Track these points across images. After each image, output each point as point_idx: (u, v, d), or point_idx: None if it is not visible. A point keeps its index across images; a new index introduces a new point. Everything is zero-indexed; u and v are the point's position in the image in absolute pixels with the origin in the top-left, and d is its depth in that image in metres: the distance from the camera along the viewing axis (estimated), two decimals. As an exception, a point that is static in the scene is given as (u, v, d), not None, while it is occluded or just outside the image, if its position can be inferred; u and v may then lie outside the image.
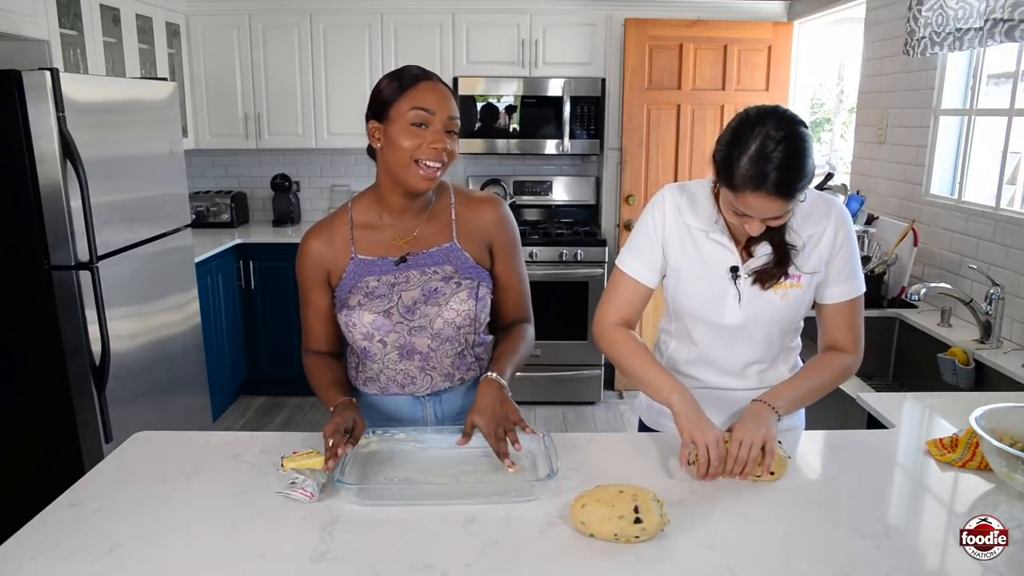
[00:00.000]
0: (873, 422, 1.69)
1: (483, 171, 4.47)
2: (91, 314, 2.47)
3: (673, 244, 1.44)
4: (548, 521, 1.15)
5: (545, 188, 4.42)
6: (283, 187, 4.32)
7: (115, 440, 2.52)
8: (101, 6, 3.17)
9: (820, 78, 4.82)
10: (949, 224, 2.61)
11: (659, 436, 1.49)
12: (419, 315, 1.40)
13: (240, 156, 4.50)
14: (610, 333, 1.47)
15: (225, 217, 4.28)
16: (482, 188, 4.30)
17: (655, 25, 3.90)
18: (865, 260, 2.72)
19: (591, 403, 4.13)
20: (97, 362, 2.50)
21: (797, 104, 4.14)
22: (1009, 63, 2.47)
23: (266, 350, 4.10)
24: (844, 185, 3.24)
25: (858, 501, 1.23)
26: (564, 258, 3.93)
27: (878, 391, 1.82)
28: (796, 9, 4.00)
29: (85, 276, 2.45)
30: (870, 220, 2.95)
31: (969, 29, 2.33)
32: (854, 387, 1.86)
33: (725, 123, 1.36)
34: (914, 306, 2.61)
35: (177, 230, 3.11)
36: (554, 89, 4.05)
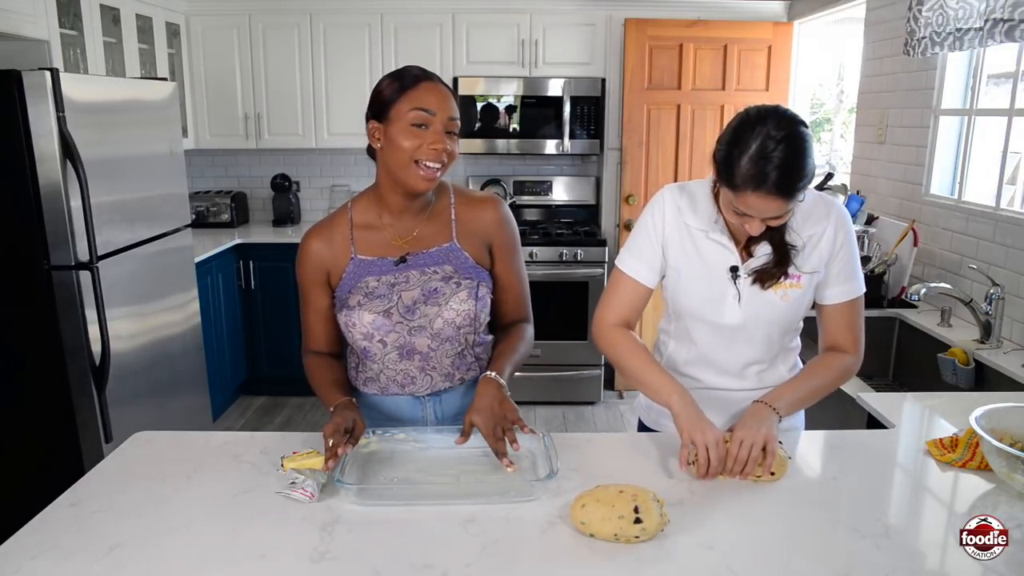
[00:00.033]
0: (873, 422, 1.69)
1: (483, 171, 4.47)
2: (91, 314, 2.47)
3: (673, 244, 1.44)
4: (548, 521, 1.15)
5: (545, 188, 4.43)
6: (283, 187, 4.32)
7: (115, 440, 2.52)
8: (101, 6, 3.17)
9: (820, 78, 4.82)
10: (949, 224, 2.61)
11: (659, 436, 1.48)
12: (419, 315, 1.40)
13: (240, 156, 4.50)
14: (609, 334, 1.47)
15: (225, 217, 4.28)
16: (482, 188, 4.30)
17: (655, 25, 3.90)
18: (865, 260, 2.72)
19: (591, 403, 4.13)
20: (97, 362, 2.50)
21: (797, 104, 4.14)
22: (1009, 63, 2.47)
23: (266, 350, 4.10)
24: (844, 185, 3.24)
25: (858, 501, 1.23)
26: (564, 258, 3.93)
27: (878, 391, 1.82)
28: (796, 9, 4.00)
29: (85, 276, 2.45)
30: (870, 220, 2.95)
31: (969, 29, 2.33)
32: (854, 387, 1.86)
33: (725, 123, 1.37)
34: (914, 306, 2.61)
35: (177, 230, 3.11)
36: (554, 89, 4.05)
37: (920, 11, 2.56)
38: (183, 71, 4.02)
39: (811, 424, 1.61)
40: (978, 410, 1.30)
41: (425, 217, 1.44)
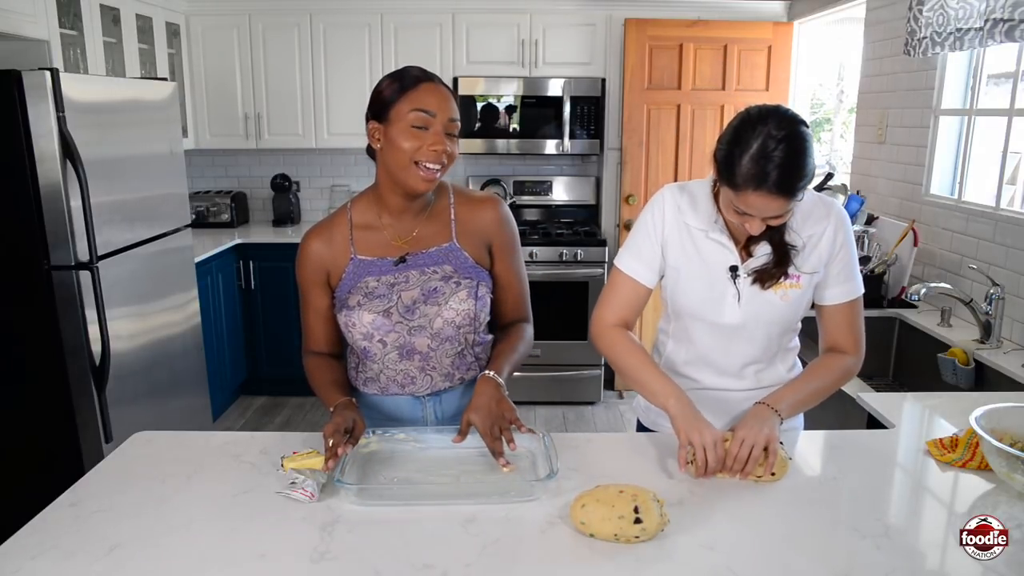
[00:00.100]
0: (873, 422, 1.69)
1: (483, 171, 4.47)
2: (91, 314, 2.47)
3: (672, 243, 1.44)
4: (548, 521, 1.15)
5: (545, 188, 4.43)
6: (283, 187, 4.32)
7: (115, 440, 2.52)
8: (101, 6, 3.17)
9: (820, 78, 4.82)
10: (949, 224, 2.61)
11: (659, 436, 1.48)
12: (419, 315, 1.40)
13: (240, 156, 4.50)
14: (608, 334, 1.47)
15: (225, 217, 4.28)
16: (482, 188, 4.30)
17: (655, 25, 3.90)
18: (865, 260, 2.72)
19: (591, 403, 4.13)
20: (97, 362, 2.50)
21: (797, 104, 4.14)
22: (1009, 63, 2.47)
23: (266, 350, 4.10)
24: (844, 185, 3.23)
25: (858, 501, 1.23)
26: (564, 258, 3.93)
27: (878, 391, 1.82)
28: (796, 9, 4.00)
29: (85, 276, 2.45)
30: (870, 220, 2.95)
31: (969, 29, 2.33)
32: (854, 387, 1.86)
33: (725, 123, 1.37)
34: (914, 306, 2.61)
35: (177, 230, 3.11)
36: (554, 89, 4.05)
37: (920, 11, 2.56)
38: (183, 71, 4.02)
39: (811, 424, 1.61)
40: (978, 410, 1.30)
41: (425, 217, 1.44)
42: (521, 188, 4.41)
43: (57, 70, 2.32)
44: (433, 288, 1.40)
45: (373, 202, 1.44)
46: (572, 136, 4.10)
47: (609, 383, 4.27)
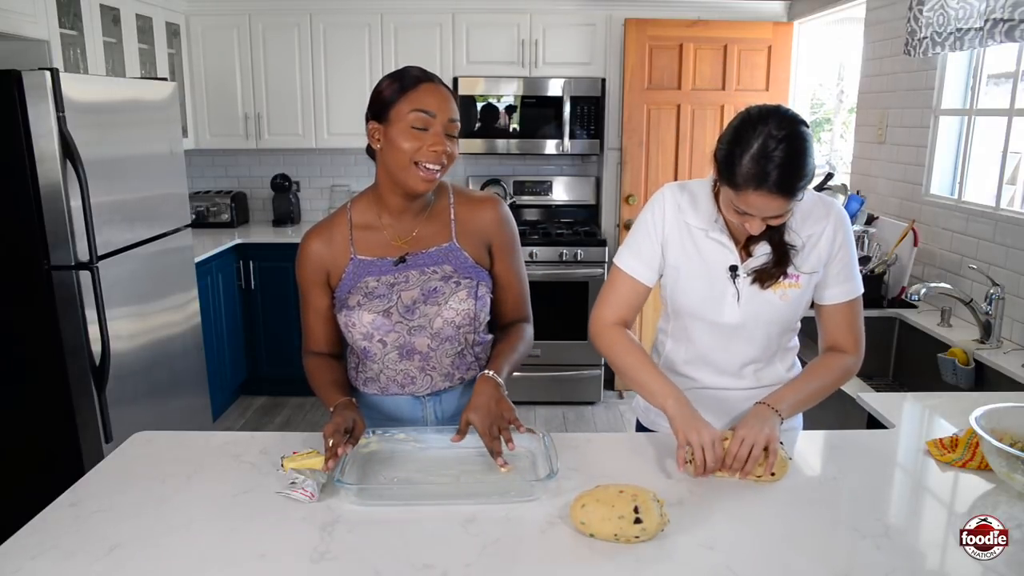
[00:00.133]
0: (873, 422, 1.69)
1: (483, 171, 4.47)
2: (91, 314, 2.47)
3: (673, 242, 1.44)
4: (548, 521, 1.15)
5: (545, 188, 4.43)
6: (283, 187, 4.32)
7: (115, 440, 2.52)
8: (101, 6, 3.17)
9: (820, 78, 4.82)
10: (949, 224, 2.61)
11: (659, 436, 1.48)
12: (418, 315, 1.40)
13: (240, 156, 4.50)
14: (607, 333, 1.47)
15: (225, 217, 4.28)
16: (482, 188, 4.30)
17: (655, 25, 3.90)
18: (865, 260, 2.72)
19: (591, 403, 4.13)
20: (97, 362, 2.50)
21: (797, 104, 4.14)
22: (1009, 63, 2.47)
23: (266, 350, 4.10)
24: (844, 185, 3.23)
25: (858, 501, 1.23)
26: (564, 258, 3.93)
27: (878, 391, 1.82)
28: (796, 9, 4.00)
29: (85, 276, 2.45)
30: (870, 220, 2.95)
31: (969, 29, 2.33)
32: (854, 387, 1.86)
33: (725, 123, 1.37)
34: (914, 306, 2.61)
35: (177, 230, 3.11)
36: (554, 89, 4.05)
37: (921, 11, 2.56)
38: (183, 71, 4.02)
39: (811, 424, 1.61)
40: (978, 410, 1.30)
41: (424, 217, 1.44)
42: (521, 188, 4.41)
43: (57, 70, 2.32)
44: (433, 288, 1.40)
45: (373, 202, 1.44)
46: (572, 136, 4.10)
47: (609, 383, 4.27)
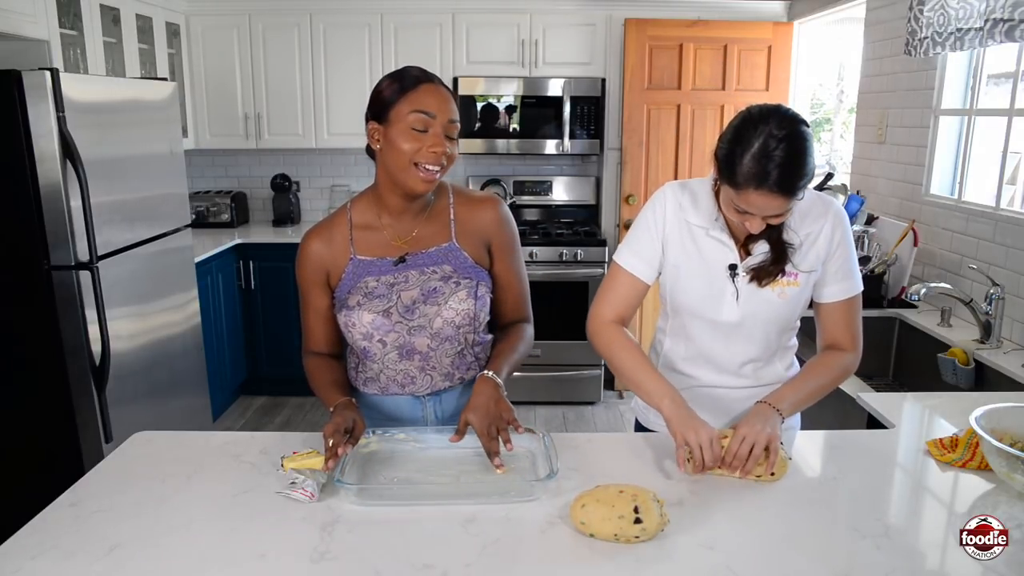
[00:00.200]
0: (873, 422, 1.69)
1: (483, 171, 4.47)
2: (91, 314, 2.47)
3: (673, 241, 1.44)
4: (548, 521, 1.15)
5: (545, 188, 4.43)
6: (283, 187, 4.32)
7: (115, 440, 2.52)
8: (101, 6, 3.17)
9: (820, 78, 4.82)
10: (949, 224, 2.61)
11: (658, 436, 1.48)
12: (418, 315, 1.40)
13: (240, 156, 4.50)
14: (606, 332, 1.47)
15: (225, 217, 4.28)
16: (482, 188, 4.30)
17: (655, 25, 3.90)
18: (865, 260, 2.72)
19: (591, 403, 4.13)
20: (97, 362, 2.50)
21: (797, 104, 4.14)
22: (1009, 63, 2.47)
23: (266, 350, 4.10)
24: (844, 185, 3.24)
25: (858, 501, 1.23)
26: (564, 258, 3.93)
27: (878, 391, 1.82)
28: (796, 9, 4.00)
29: (85, 276, 2.45)
30: (870, 220, 2.95)
31: (969, 29, 2.33)
32: (854, 387, 1.86)
33: (725, 123, 1.37)
34: (914, 306, 2.61)
35: (177, 230, 3.11)
36: (554, 89, 4.05)
37: (921, 11, 2.56)
38: (183, 71, 4.02)
39: (810, 424, 1.61)
40: (978, 410, 1.30)
41: (424, 217, 1.44)
42: (521, 188, 4.41)
43: (57, 70, 2.32)
44: (433, 288, 1.41)
45: (373, 202, 1.44)
46: (572, 136, 4.10)
47: (609, 383, 4.27)
